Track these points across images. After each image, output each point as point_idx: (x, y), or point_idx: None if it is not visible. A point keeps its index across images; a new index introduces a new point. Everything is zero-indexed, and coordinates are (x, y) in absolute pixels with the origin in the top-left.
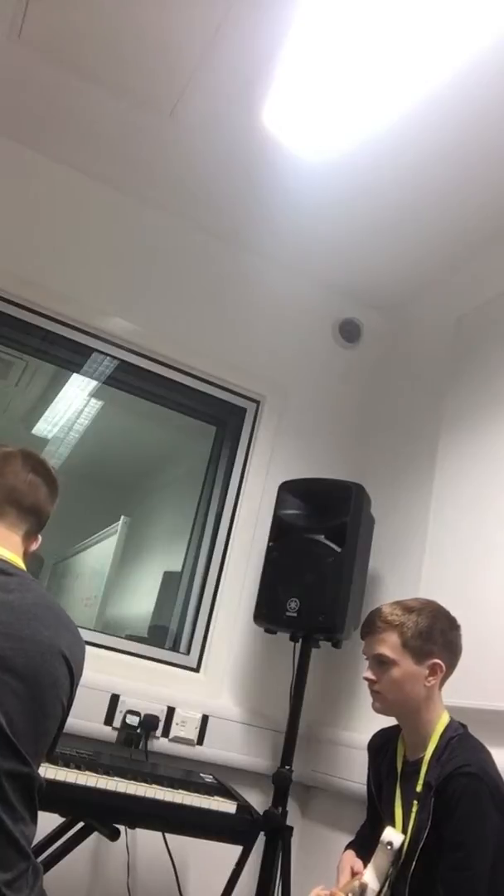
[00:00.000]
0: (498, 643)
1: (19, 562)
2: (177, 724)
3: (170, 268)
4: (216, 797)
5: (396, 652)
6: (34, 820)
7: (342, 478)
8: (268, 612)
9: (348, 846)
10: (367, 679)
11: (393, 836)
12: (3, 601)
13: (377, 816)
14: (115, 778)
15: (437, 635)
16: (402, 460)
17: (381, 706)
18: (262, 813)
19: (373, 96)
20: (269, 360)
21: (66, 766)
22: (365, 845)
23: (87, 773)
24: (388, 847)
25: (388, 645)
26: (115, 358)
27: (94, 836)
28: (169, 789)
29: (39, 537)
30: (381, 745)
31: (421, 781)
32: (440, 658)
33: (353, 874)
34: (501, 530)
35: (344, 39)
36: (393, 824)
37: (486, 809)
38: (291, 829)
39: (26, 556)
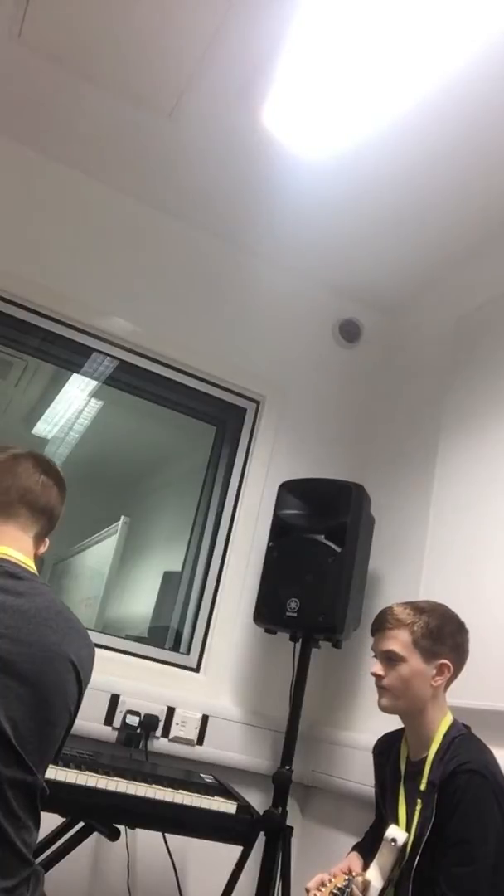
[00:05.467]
0: (498, 643)
1: (31, 564)
2: (177, 724)
3: (170, 268)
4: (216, 797)
5: (406, 649)
6: (37, 826)
7: (342, 478)
8: (268, 612)
9: (354, 847)
10: (374, 674)
11: (397, 833)
12: (11, 605)
13: (384, 819)
14: (115, 778)
15: (446, 637)
16: (402, 460)
17: (387, 702)
18: (262, 813)
19: (372, 96)
20: (269, 360)
21: (66, 766)
22: (370, 847)
23: (87, 773)
24: (393, 843)
25: (399, 642)
26: (115, 358)
27: (94, 836)
28: (169, 789)
29: (48, 540)
30: (385, 749)
31: (424, 780)
32: (448, 659)
33: (345, 873)
34: (501, 530)
35: (343, 40)
36: (397, 824)
37: (489, 806)
38: (291, 829)
39: (36, 558)
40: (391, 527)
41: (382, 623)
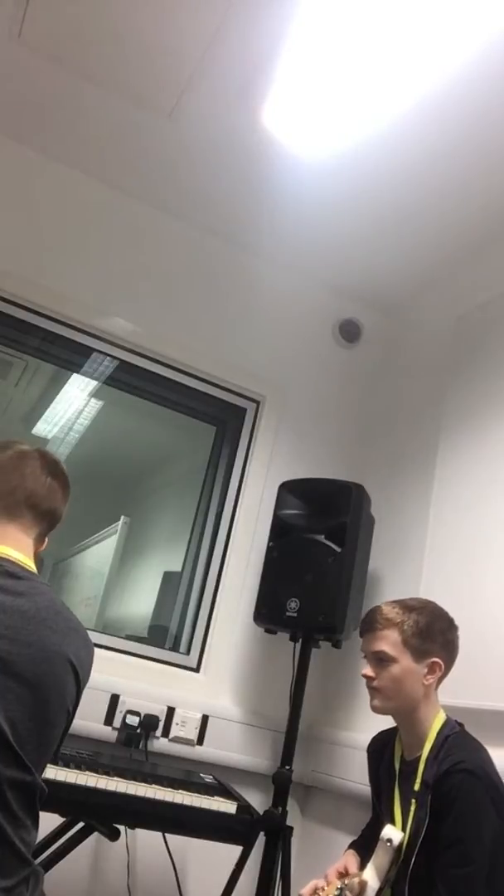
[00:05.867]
0: (498, 643)
1: (31, 564)
2: (177, 724)
3: (170, 268)
4: (216, 797)
5: (396, 649)
6: (35, 826)
7: (342, 478)
8: (268, 612)
9: (351, 845)
10: (365, 676)
11: (392, 833)
12: (11, 605)
13: (380, 817)
14: (115, 778)
15: (436, 634)
16: (402, 460)
17: (380, 703)
18: (262, 813)
19: (372, 96)
20: (269, 360)
21: (66, 766)
22: (367, 845)
23: (87, 773)
24: (388, 843)
25: (389, 642)
26: (115, 358)
27: (94, 836)
28: (169, 789)
29: (47, 539)
30: (380, 748)
31: (418, 780)
32: (439, 657)
33: (340, 875)
34: (501, 530)
35: (343, 40)
36: (393, 824)
37: (483, 805)
38: (291, 829)
39: (35, 557)
40: (391, 527)
41: (371, 623)
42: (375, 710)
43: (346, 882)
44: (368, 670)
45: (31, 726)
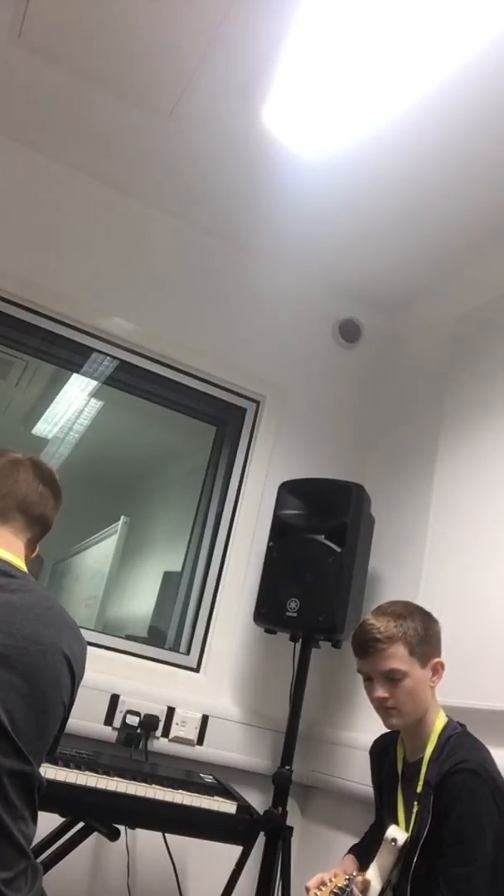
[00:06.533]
0: (498, 643)
1: (22, 564)
2: (177, 724)
3: (170, 267)
4: (216, 797)
5: (406, 663)
6: (34, 819)
7: (342, 478)
8: (268, 612)
9: (351, 849)
10: (379, 698)
11: (397, 833)
12: (5, 601)
13: (383, 819)
14: (115, 778)
15: (432, 635)
16: (402, 460)
17: (398, 721)
18: (262, 813)
19: (372, 96)
20: (269, 360)
21: (66, 766)
22: (368, 849)
23: (87, 773)
24: (393, 843)
25: (398, 658)
26: (115, 358)
27: (94, 836)
28: (169, 789)
29: (38, 546)
30: (382, 751)
31: (421, 781)
32: (439, 656)
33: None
34: (501, 530)
35: (343, 39)
36: (397, 826)
37: (485, 805)
38: (291, 829)
39: (26, 562)
40: (391, 527)
41: (373, 643)
42: (393, 727)
43: (353, 876)
44: (381, 692)
45: (28, 717)
